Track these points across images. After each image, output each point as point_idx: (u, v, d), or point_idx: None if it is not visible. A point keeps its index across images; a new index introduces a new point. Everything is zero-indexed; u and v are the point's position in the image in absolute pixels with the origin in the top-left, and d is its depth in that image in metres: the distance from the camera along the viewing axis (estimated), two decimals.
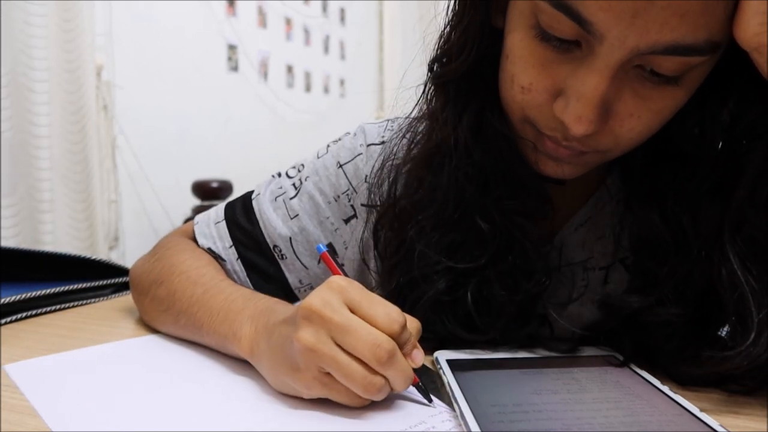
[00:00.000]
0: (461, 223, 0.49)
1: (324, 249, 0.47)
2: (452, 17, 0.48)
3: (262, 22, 2.73)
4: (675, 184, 0.46)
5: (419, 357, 0.41)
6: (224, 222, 0.63)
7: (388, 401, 0.41)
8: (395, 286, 0.52)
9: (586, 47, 0.38)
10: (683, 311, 0.45)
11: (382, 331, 0.38)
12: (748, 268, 0.41)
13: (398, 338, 0.39)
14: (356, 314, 0.39)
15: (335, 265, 0.46)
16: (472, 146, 0.48)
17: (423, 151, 0.52)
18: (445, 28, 0.49)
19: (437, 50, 0.49)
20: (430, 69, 0.50)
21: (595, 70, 0.38)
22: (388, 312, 0.39)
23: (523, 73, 0.42)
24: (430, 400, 0.41)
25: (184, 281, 0.55)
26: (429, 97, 0.52)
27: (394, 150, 0.56)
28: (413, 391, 0.42)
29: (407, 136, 0.55)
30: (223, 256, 0.62)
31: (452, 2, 0.47)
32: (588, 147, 0.43)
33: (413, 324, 0.42)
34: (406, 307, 0.50)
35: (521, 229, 0.48)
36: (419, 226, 0.50)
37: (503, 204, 0.48)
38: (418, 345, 0.41)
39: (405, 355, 0.40)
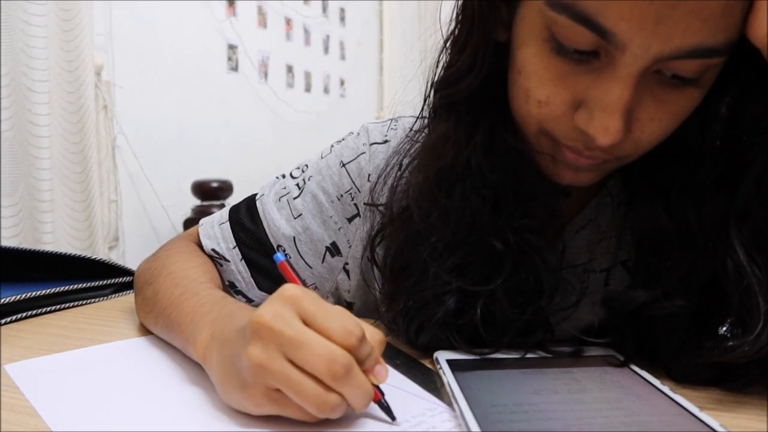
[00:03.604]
0: (474, 244, 0.48)
1: (281, 258, 0.44)
2: (456, 36, 0.47)
3: (262, 22, 2.73)
4: (679, 177, 0.46)
5: (382, 373, 0.37)
6: (228, 223, 0.63)
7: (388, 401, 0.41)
8: (402, 307, 0.50)
9: (605, 57, 0.38)
10: (688, 304, 0.45)
11: (338, 345, 0.35)
12: (754, 259, 0.41)
13: (356, 352, 0.36)
14: (310, 327, 0.36)
15: (293, 275, 0.44)
16: (485, 165, 0.47)
17: (434, 172, 0.50)
18: (447, 46, 0.48)
19: (442, 71, 0.49)
20: (437, 90, 0.50)
21: (618, 79, 0.38)
22: (344, 324, 0.36)
23: (540, 87, 0.41)
24: (394, 418, 0.38)
25: (168, 282, 0.54)
26: (437, 117, 0.51)
27: (392, 164, 0.56)
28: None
29: (411, 150, 0.55)
30: (227, 256, 0.62)
31: (454, 20, 0.47)
32: (610, 155, 0.43)
33: (376, 336, 0.38)
34: (413, 327, 0.50)
35: (533, 246, 0.48)
36: (432, 247, 0.49)
37: (516, 222, 0.48)
38: (381, 360, 0.38)
39: (366, 370, 0.37)
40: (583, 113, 0.40)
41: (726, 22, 0.35)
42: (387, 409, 0.38)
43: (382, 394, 0.39)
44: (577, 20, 0.37)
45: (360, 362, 0.36)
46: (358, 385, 0.36)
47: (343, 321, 0.36)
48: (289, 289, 0.38)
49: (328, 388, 0.35)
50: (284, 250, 0.61)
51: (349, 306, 0.64)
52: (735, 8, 0.35)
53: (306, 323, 0.36)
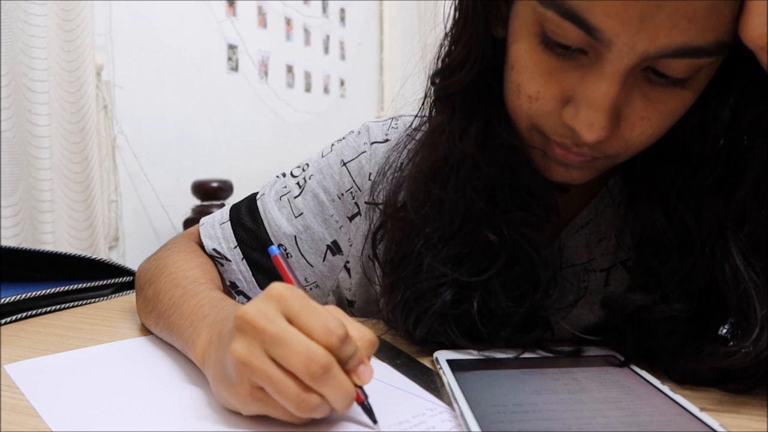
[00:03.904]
0: (469, 236, 0.49)
1: (276, 251, 0.44)
2: (453, 29, 0.48)
3: (262, 22, 2.73)
4: (677, 180, 0.46)
5: (366, 374, 0.37)
6: (229, 223, 0.63)
7: (385, 400, 0.41)
8: (400, 299, 0.51)
9: (593, 54, 0.38)
10: (686, 307, 0.45)
11: (319, 344, 0.35)
12: (751, 264, 0.42)
13: (337, 352, 0.35)
14: (294, 325, 0.36)
15: (286, 270, 0.43)
16: (479, 158, 0.47)
17: (428, 164, 0.51)
18: (445, 40, 0.48)
19: (439, 63, 0.49)
20: (433, 82, 0.50)
21: (604, 76, 0.38)
22: (326, 323, 0.35)
23: (530, 82, 0.42)
24: (375, 422, 0.37)
25: (168, 283, 0.54)
26: (433, 109, 0.51)
27: (391, 160, 0.56)
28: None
29: (410, 146, 0.55)
30: (228, 256, 0.62)
31: (452, 14, 0.47)
32: (599, 152, 0.43)
33: (366, 336, 0.38)
34: (411, 319, 0.50)
35: (529, 240, 0.48)
36: (426, 238, 0.49)
37: (511, 215, 0.48)
38: (366, 361, 0.37)
39: (350, 370, 0.36)
40: (570, 109, 0.41)
41: (714, 23, 0.35)
42: (369, 411, 0.38)
43: (366, 396, 0.38)
44: (565, 16, 0.37)
45: (342, 362, 0.36)
46: (338, 385, 0.35)
47: (325, 320, 0.35)
48: (275, 287, 0.37)
49: (309, 388, 0.35)
50: (285, 249, 0.61)
51: (350, 304, 0.64)
52: (723, 9, 0.35)
53: (290, 321, 0.36)
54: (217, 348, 0.40)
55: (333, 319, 0.36)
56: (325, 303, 0.64)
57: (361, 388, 0.37)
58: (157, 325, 0.53)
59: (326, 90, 3.25)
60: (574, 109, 0.40)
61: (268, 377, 0.35)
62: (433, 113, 0.52)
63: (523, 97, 0.43)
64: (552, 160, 0.45)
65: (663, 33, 0.35)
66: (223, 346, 0.39)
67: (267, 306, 0.36)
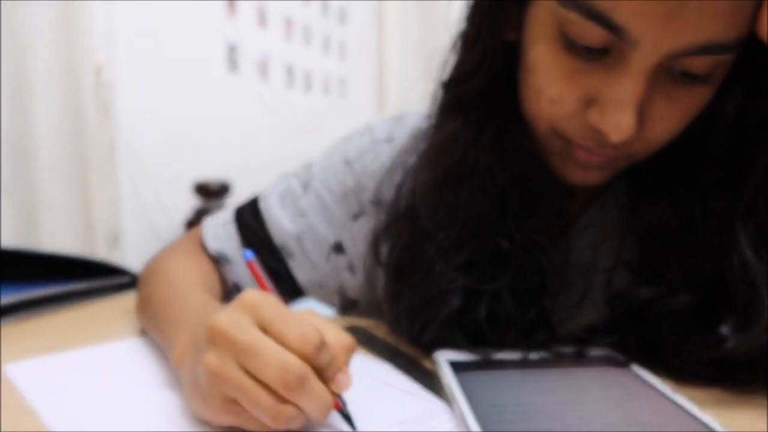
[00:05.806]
0: (481, 243, 0.48)
1: (250, 256, 0.42)
2: (465, 36, 0.47)
3: (262, 22, 2.73)
4: (685, 175, 0.46)
5: (344, 381, 0.36)
6: (232, 223, 0.63)
7: (386, 400, 0.41)
8: (406, 306, 0.50)
9: (617, 53, 0.38)
10: (692, 300, 0.45)
11: (294, 353, 0.34)
12: (760, 254, 0.42)
13: (313, 360, 0.34)
14: (268, 334, 0.34)
15: (260, 276, 0.42)
16: (493, 163, 0.47)
17: (442, 170, 0.50)
18: (456, 47, 0.48)
19: (451, 70, 0.49)
20: (445, 89, 0.50)
21: (629, 75, 0.38)
22: (301, 331, 0.34)
23: (551, 85, 0.41)
24: (355, 429, 0.36)
25: (162, 284, 0.53)
26: (445, 115, 0.51)
27: (399, 163, 0.56)
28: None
29: (419, 150, 0.55)
30: (233, 257, 0.62)
31: (463, 20, 0.47)
32: (621, 152, 0.43)
33: (342, 342, 0.37)
34: (416, 325, 0.50)
35: (539, 245, 0.48)
36: (438, 245, 0.49)
37: (523, 222, 0.48)
38: (345, 368, 0.36)
39: (327, 378, 0.35)
40: (595, 110, 0.40)
41: (736, 19, 0.35)
42: (348, 419, 0.37)
43: (345, 403, 0.37)
44: (590, 17, 0.37)
45: (320, 370, 0.35)
46: (314, 395, 0.34)
47: (301, 328, 0.34)
48: (247, 295, 0.36)
49: (284, 399, 0.34)
50: (289, 249, 0.61)
51: (354, 304, 0.64)
52: (745, 5, 0.35)
53: (264, 330, 0.35)
54: (192, 354, 0.39)
55: (308, 326, 0.35)
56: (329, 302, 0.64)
57: (339, 395, 0.36)
58: (149, 326, 0.53)
59: (326, 90, 3.25)
60: (600, 110, 0.40)
61: (242, 389, 0.33)
62: (445, 119, 0.51)
63: (543, 100, 0.42)
64: (570, 163, 0.45)
65: (688, 31, 0.35)
66: (198, 354, 0.37)
67: (239, 315, 0.35)
